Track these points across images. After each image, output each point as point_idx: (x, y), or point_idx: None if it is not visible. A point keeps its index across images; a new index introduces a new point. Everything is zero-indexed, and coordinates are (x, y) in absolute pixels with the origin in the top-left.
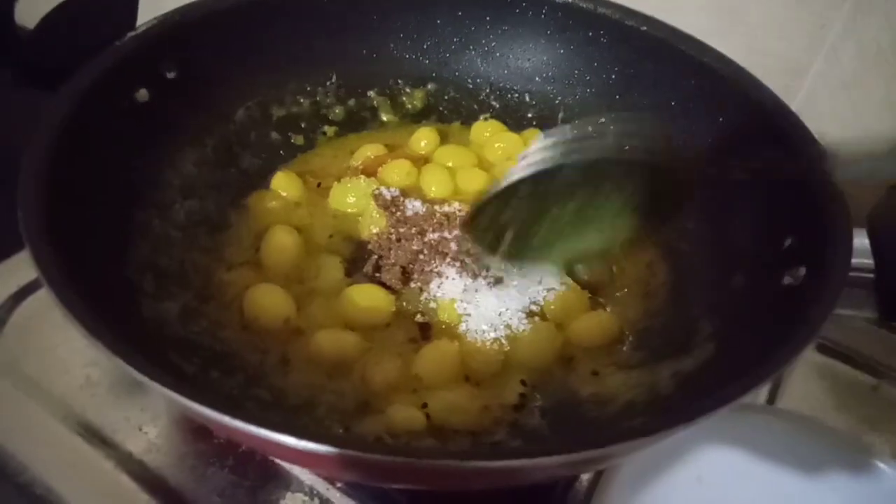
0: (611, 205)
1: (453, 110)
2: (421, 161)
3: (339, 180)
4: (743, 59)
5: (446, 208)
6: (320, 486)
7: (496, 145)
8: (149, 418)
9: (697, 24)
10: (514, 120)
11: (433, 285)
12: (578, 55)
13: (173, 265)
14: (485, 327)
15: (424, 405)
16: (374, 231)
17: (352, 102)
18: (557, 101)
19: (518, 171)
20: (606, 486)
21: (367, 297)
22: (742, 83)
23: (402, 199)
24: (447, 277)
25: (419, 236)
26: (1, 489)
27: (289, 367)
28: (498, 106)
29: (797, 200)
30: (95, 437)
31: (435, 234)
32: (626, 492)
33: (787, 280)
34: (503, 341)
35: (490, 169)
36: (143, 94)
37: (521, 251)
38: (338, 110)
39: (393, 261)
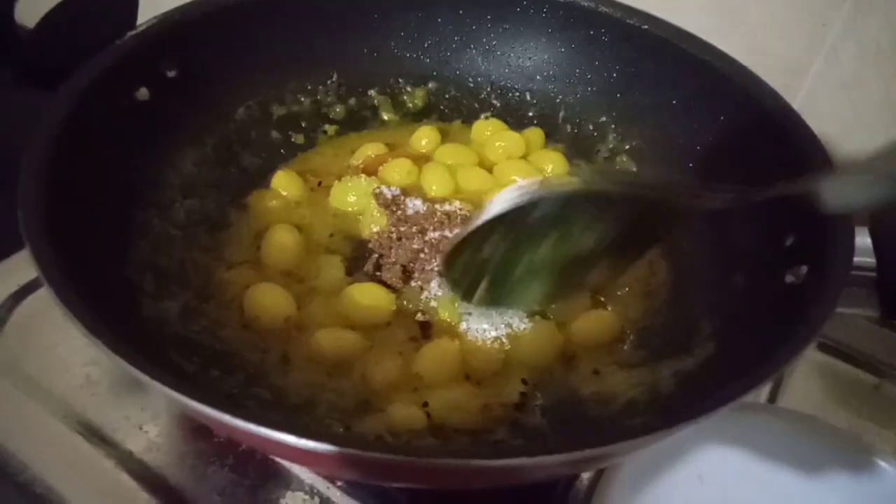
0: (584, 244)
1: (454, 109)
2: (422, 160)
3: (339, 179)
4: (743, 58)
5: (447, 207)
6: (320, 484)
7: (497, 144)
8: (149, 417)
9: (697, 23)
10: (515, 119)
11: (434, 284)
12: (579, 54)
13: (173, 264)
14: (485, 326)
15: (425, 404)
16: (375, 230)
17: (352, 101)
18: (558, 100)
19: (490, 209)
20: (607, 484)
21: (368, 296)
22: (744, 82)
23: (402, 197)
24: None
25: (420, 235)
26: (1, 488)
27: (289, 366)
28: (499, 105)
29: (798, 199)
30: (95, 435)
31: (436, 232)
32: (627, 491)
33: (788, 279)
34: (504, 340)
35: (491, 168)
36: (143, 92)
37: (497, 296)
38: (338, 109)
39: (393, 259)
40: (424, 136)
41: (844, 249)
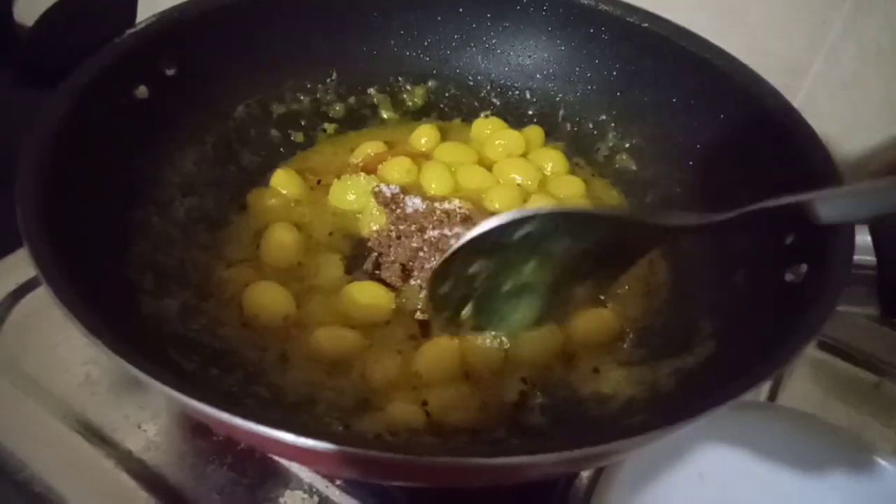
0: (567, 264)
1: (454, 107)
2: (421, 158)
3: (339, 178)
4: (743, 58)
5: (446, 205)
6: (319, 483)
7: (497, 142)
8: (148, 416)
9: (697, 23)
10: (515, 117)
11: None
12: (579, 52)
13: (173, 263)
14: None
15: (424, 402)
16: (374, 228)
17: (352, 100)
18: (558, 99)
19: (468, 234)
20: (607, 483)
21: (367, 295)
22: (744, 80)
23: (402, 196)
24: None
25: (419, 233)
26: (0, 487)
27: (288, 365)
28: (499, 103)
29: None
30: (95, 435)
31: (435, 231)
32: (627, 489)
33: (788, 277)
34: (503, 339)
35: (491, 166)
36: (142, 91)
37: (484, 320)
38: (338, 108)
39: (393, 258)
40: (424, 135)
41: (844, 248)
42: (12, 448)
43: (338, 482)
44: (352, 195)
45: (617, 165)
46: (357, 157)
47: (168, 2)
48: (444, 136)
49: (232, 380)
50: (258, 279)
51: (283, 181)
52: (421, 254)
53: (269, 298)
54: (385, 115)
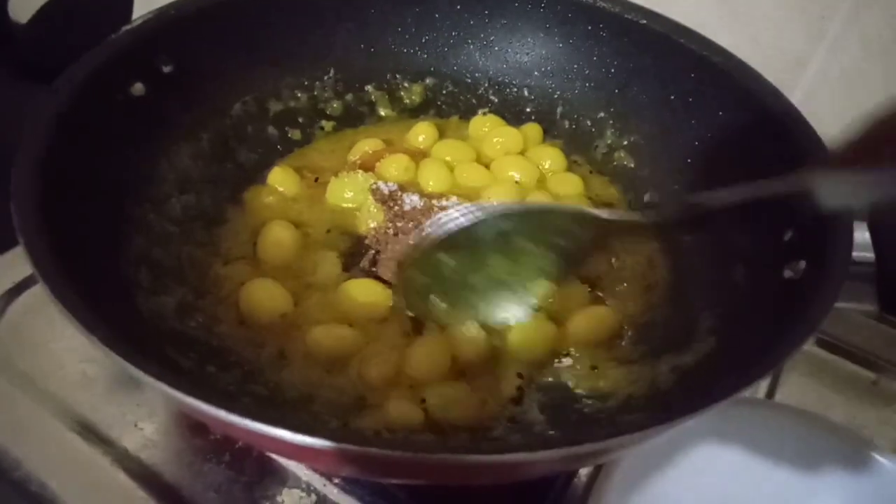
0: (534, 256)
1: (452, 105)
2: (419, 156)
3: (336, 175)
4: (743, 52)
5: (444, 203)
6: (317, 481)
7: (495, 140)
8: (145, 414)
9: (697, 17)
10: (513, 114)
11: None
12: (577, 49)
13: (169, 260)
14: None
15: (423, 400)
16: (372, 226)
17: (349, 97)
18: (556, 96)
19: (434, 228)
20: (606, 480)
21: (365, 292)
22: (743, 78)
23: (399, 193)
24: None
25: (417, 231)
26: None
27: (285, 363)
28: (496, 100)
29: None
30: (91, 433)
31: None
32: (626, 486)
33: (787, 274)
34: (492, 332)
35: (488, 164)
36: (138, 88)
37: (453, 312)
38: (335, 105)
39: (390, 255)
40: (421, 132)
41: (843, 245)
42: (8, 447)
43: (336, 480)
44: (349, 193)
45: (615, 163)
46: (355, 155)
47: None
48: (442, 134)
49: (229, 377)
50: (255, 277)
51: (281, 179)
52: None
53: (266, 296)
54: (383, 113)
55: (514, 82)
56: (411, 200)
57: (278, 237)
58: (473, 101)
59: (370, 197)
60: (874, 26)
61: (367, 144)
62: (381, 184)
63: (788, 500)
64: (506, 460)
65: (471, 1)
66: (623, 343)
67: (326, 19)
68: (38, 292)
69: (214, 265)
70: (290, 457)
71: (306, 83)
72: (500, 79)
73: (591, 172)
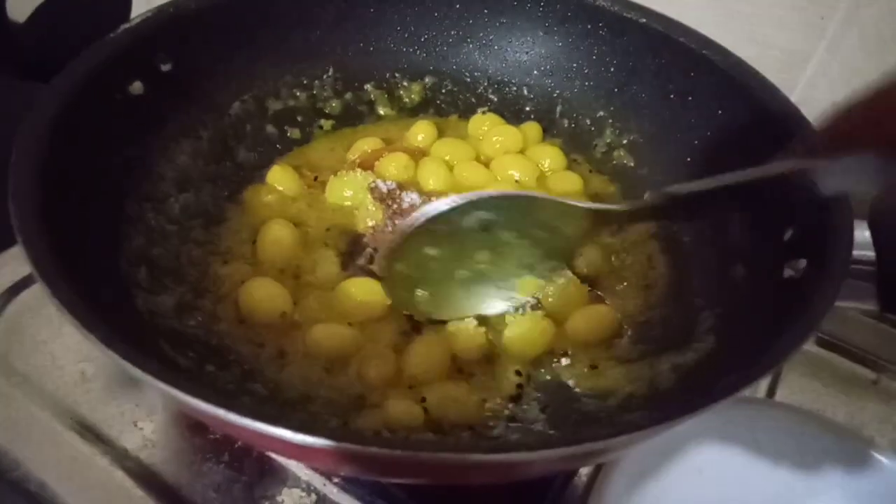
0: (518, 250)
1: (451, 104)
2: (418, 155)
3: (335, 174)
4: (743, 49)
5: None
6: (317, 481)
7: (494, 139)
8: (144, 414)
9: (696, 14)
10: (512, 113)
11: None
12: (577, 48)
13: (168, 259)
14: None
15: (423, 399)
16: (371, 224)
17: (349, 96)
18: (555, 95)
19: (418, 216)
20: (606, 479)
21: (363, 291)
22: (742, 76)
23: (398, 191)
24: None
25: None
26: None
27: (285, 362)
28: (496, 99)
29: (798, 192)
30: (90, 433)
31: None
32: (626, 485)
33: (787, 272)
34: (489, 326)
35: (488, 162)
36: (137, 86)
37: (437, 305)
38: (334, 104)
39: None
40: (421, 131)
41: (844, 243)
42: (6, 446)
43: (336, 480)
44: (349, 191)
45: (615, 162)
46: (354, 154)
47: None
48: (441, 133)
49: (228, 376)
50: (255, 276)
51: (280, 178)
52: None
53: (265, 295)
54: (382, 112)
55: (513, 81)
56: (410, 198)
57: (277, 236)
58: (473, 99)
59: (369, 195)
60: (873, 25)
61: (366, 143)
62: (379, 182)
63: (789, 500)
64: (505, 459)
65: (470, 0)
66: (623, 342)
67: (326, 18)
68: (37, 292)
69: (213, 264)
70: (289, 456)
71: (305, 82)
72: (499, 78)
73: (590, 171)
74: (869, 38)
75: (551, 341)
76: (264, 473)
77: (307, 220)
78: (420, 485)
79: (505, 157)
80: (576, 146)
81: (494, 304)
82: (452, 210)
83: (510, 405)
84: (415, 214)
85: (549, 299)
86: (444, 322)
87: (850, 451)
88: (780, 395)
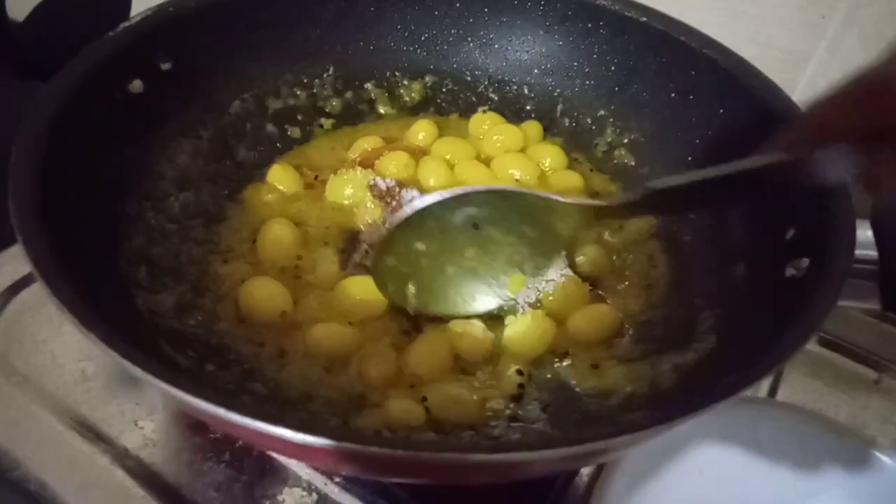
0: (508, 246)
1: (451, 103)
2: (419, 153)
3: (335, 173)
4: (743, 49)
5: None
6: (318, 480)
7: (495, 138)
8: (144, 413)
9: (698, 14)
10: (513, 112)
11: None
12: (577, 47)
13: (168, 258)
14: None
15: (424, 399)
16: (370, 222)
17: (349, 95)
18: (556, 94)
19: (408, 209)
20: (607, 479)
21: (363, 290)
22: (744, 75)
23: (398, 189)
24: None
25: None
26: None
27: (285, 361)
28: (496, 98)
29: (799, 191)
30: (90, 432)
31: None
32: (627, 485)
33: (789, 272)
34: (492, 324)
35: (488, 161)
36: (136, 85)
37: (427, 301)
38: (335, 103)
39: None
40: (421, 130)
41: (846, 243)
42: (6, 446)
43: (337, 479)
44: (349, 190)
45: (615, 161)
46: (354, 153)
47: None
48: (442, 132)
49: (228, 376)
50: (255, 275)
51: (280, 177)
52: None
53: (265, 294)
54: (382, 111)
55: (513, 80)
56: (409, 196)
57: (278, 235)
58: (473, 98)
59: (368, 193)
60: (873, 25)
61: (366, 142)
62: (378, 180)
63: (790, 500)
64: (507, 459)
65: None
66: (624, 341)
67: (326, 17)
68: (37, 291)
69: (214, 263)
70: (290, 456)
71: (306, 81)
72: (499, 76)
73: (591, 170)
74: (869, 38)
75: (553, 341)
76: (265, 473)
77: (307, 219)
78: (421, 484)
79: (505, 156)
80: (576, 145)
81: (484, 301)
82: (441, 205)
83: (511, 405)
84: (404, 208)
85: (550, 298)
86: (444, 321)
87: (852, 450)
88: (781, 395)
